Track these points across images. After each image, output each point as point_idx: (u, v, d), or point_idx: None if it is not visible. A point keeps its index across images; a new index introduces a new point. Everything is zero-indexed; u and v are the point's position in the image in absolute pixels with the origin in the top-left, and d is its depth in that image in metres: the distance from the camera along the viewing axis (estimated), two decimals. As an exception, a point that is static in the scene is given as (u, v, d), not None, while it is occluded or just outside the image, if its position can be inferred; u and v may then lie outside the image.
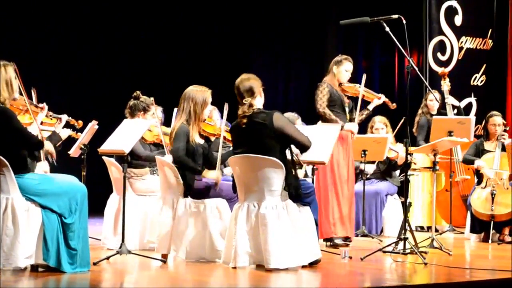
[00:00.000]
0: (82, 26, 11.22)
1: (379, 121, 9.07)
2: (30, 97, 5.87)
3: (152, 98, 7.19)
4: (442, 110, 9.41)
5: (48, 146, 5.81)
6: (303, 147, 5.86)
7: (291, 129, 5.80)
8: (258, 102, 5.90)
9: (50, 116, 6.10)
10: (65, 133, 6.18)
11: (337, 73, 7.48)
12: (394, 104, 7.74)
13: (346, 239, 7.41)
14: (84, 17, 11.20)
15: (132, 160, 6.85)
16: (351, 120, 7.51)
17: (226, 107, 6.55)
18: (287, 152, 5.84)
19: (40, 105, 5.91)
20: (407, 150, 6.65)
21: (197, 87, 6.32)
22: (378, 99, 7.67)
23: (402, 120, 8.64)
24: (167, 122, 7.95)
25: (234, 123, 5.99)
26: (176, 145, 6.15)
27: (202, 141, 6.31)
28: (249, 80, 5.89)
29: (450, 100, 9.43)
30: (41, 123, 5.92)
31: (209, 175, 6.22)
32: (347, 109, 7.48)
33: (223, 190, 6.23)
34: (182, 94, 6.30)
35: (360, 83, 7.60)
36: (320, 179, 7.38)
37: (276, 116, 5.74)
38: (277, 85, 12.17)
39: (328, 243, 7.30)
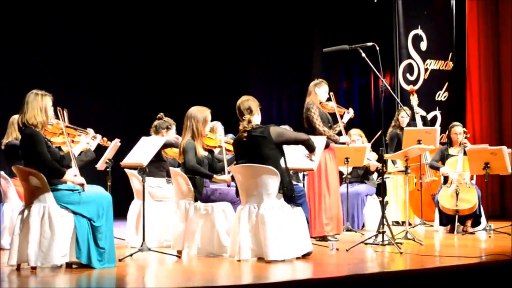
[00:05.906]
0: (105, 51, 11.08)
1: (355, 134, 9.00)
2: (58, 117, 5.73)
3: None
4: (411, 122, 9.38)
5: (77, 179, 5.32)
6: (303, 142, 5.83)
7: (287, 134, 5.81)
8: (256, 119, 5.87)
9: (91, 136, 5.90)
10: (94, 144, 5.85)
11: (318, 94, 7.36)
12: (351, 110, 7.60)
13: (336, 235, 7.29)
14: (108, 42, 11.09)
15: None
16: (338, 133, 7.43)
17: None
18: (282, 160, 5.80)
19: (88, 130, 5.81)
20: (382, 157, 6.61)
21: (198, 108, 6.25)
22: (347, 113, 7.54)
23: (379, 133, 8.58)
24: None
25: (236, 137, 5.96)
26: (187, 157, 6.11)
27: (206, 153, 6.27)
28: (248, 101, 5.88)
29: (420, 111, 9.41)
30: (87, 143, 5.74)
31: (220, 178, 6.16)
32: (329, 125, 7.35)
33: (228, 195, 6.20)
34: (186, 114, 6.24)
35: (331, 101, 7.48)
36: (315, 185, 7.24)
37: (273, 129, 5.73)
38: (271, 104, 12.13)
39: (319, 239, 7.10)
